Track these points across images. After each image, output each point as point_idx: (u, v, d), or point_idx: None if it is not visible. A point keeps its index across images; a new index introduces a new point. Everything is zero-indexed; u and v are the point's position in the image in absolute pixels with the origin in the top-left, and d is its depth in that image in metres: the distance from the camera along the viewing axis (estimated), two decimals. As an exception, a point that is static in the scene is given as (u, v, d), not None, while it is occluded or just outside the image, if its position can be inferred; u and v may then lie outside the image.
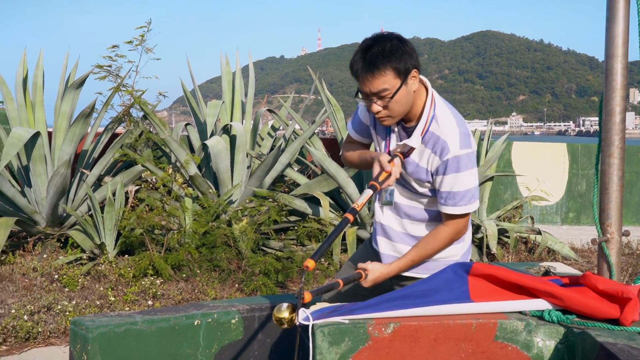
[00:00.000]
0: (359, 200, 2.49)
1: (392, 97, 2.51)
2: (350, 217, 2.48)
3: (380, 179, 2.55)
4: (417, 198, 2.74)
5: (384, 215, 2.86)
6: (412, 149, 2.64)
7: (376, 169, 2.59)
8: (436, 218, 2.75)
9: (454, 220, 2.65)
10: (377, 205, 2.90)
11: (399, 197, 2.78)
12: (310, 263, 2.29)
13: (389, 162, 2.58)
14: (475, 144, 2.65)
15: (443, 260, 2.76)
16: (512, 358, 2.28)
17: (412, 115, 2.64)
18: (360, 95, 2.59)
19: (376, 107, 2.55)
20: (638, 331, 2.21)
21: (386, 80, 2.48)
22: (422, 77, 2.63)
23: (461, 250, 2.83)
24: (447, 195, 2.60)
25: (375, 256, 2.97)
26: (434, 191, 2.68)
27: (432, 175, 2.63)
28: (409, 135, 2.66)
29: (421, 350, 2.25)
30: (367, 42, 2.54)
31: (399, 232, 2.82)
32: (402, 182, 2.74)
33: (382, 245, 2.89)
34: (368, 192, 2.52)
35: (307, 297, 2.28)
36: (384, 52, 2.47)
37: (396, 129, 2.70)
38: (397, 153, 2.65)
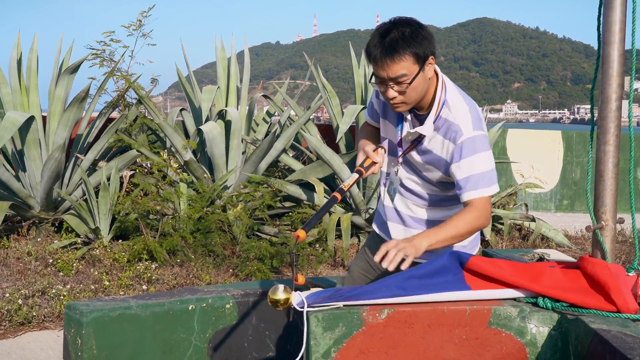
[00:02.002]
0: (346, 182, 2.60)
1: (410, 83, 2.46)
2: (339, 196, 2.55)
3: (365, 164, 2.66)
4: (427, 185, 2.72)
5: (393, 200, 2.85)
6: (422, 136, 2.62)
7: (361, 157, 2.69)
8: (445, 202, 2.74)
9: (474, 206, 2.52)
10: (383, 190, 2.89)
11: (410, 183, 2.77)
12: (301, 233, 2.31)
13: (374, 151, 2.68)
14: (486, 129, 2.61)
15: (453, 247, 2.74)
16: (505, 344, 2.29)
17: (425, 103, 2.60)
18: (375, 80, 2.55)
19: (392, 92, 2.49)
20: (632, 318, 2.22)
21: (405, 66, 2.43)
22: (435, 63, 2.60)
23: (470, 237, 2.80)
24: (466, 181, 2.51)
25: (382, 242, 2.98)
26: (445, 181, 2.65)
27: (448, 164, 2.56)
28: (421, 123, 2.63)
29: (415, 336, 2.25)
30: (385, 26, 2.48)
31: (406, 216, 2.81)
32: (415, 169, 2.72)
33: (394, 230, 2.88)
34: (354, 176, 2.62)
35: (301, 279, 2.28)
36: (404, 37, 2.42)
37: (409, 117, 2.66)
38: (381, 145, 2.72)
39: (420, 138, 2.63)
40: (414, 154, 2.67)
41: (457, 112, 2.55)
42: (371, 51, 2.48)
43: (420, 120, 2.64)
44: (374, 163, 2.65)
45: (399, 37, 2.43)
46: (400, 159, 2.75)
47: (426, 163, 2.65)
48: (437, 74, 2.61)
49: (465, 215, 2.50)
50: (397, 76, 2.45)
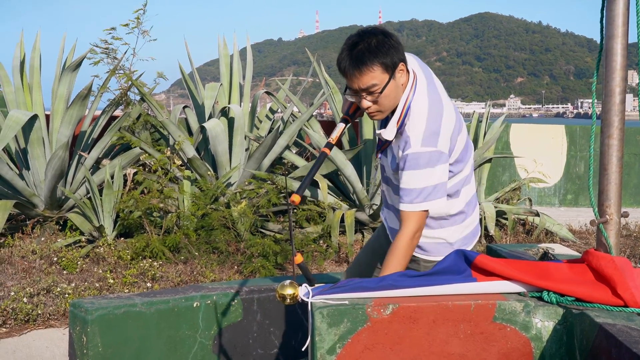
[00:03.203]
0: (333, 134, 2.68)
1: (381, 92, 2.50)
2: (327, 151, 2.65)
3: (351, 111, 2.74)
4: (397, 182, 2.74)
5: (388, 197, 2.87)
6: (388, 141, 2.64)
7: (345, 105, 2.78)
8: None
9: (408, 219, 2.56)
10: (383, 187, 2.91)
11: (393, 180, 2.77)
12: (296, 197, 2.42)
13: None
14: (447, 144, 2.55)
15: (436, 241, 2.76)
16: (510, 339, 2.29)
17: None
18: (348, 92, 2.60)
19: (366, 102, 2.55)
20: (637, 312, 2.22)
21: (375, 76, 2.48)
22: (413, 67, 2.61)
23: (456, 233, 2.78)
24: (403, 193, 2.55)
25: (389, 235, 2.99)
26: None
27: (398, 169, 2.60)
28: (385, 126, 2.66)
29: (420, 332, 2.25)
30: (352, 39, 2.53)
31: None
32: (387, 171, 2.76)
33: (392, 222, 2.90)
34: (341, 125, 2.72)
35: (299, 258, 2.32)
36: (370, 48, 2.47)
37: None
38: (363, 88, 2.65)
39: (389, 140, 2.66)
40: (385, 155, 2.73)
41: (414, 123, 2.54)
42: (341, 64, 2.55)
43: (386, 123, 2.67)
44: (359, 108, 2.70)
45: (366, 49, 2.48)
46: (379, 155, 2.80)
47: (391, 167, 2.68)
48: (413, 78, 2.61)
49: (400, 241, 2.55)
50: (367, 87, 2.50)
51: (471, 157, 2.75)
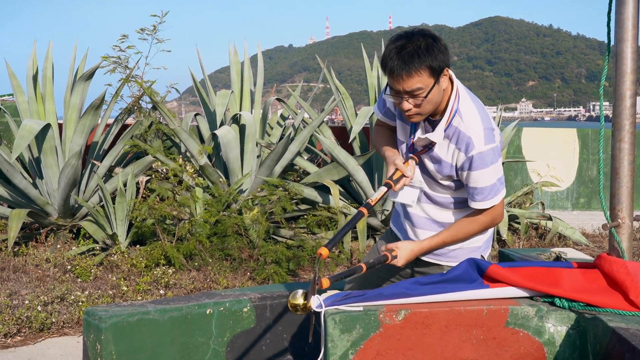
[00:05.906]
0: (374, 196, 2.58)
1: (425, 97, 2.48)
2: (365, 211, 2.57)
3: (395, 177, 2.63)
4: (440, 187, 2.73)
5: (417, 208, 2.85)
6: (433, 142, 2.63)
7: (391, 169, 2.66)
8: (460, 204, 2.74)
9: (482, 214, 2.65)
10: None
11: (423, 185, 2.77)
12: (324, 251, 2.32)
13: (404, 163, 2.65)
14: (499, 137, 2.61)
15: (466, 248, 2.76)
16: (523, 344, 2.29)
17: (439, 110, 2.61)
18: (390, 92, 2.56)
19: (407, 105, 2.51)
20: (650, 316, 2.21)
21: (421, 80, 2.45)
22: (450, 71, 2.60)
23: (484, 237, 2.81)
24: (474, 191, 2.60)
25: (396, 240, 2.98)
26: (458, 182, 2.67)
27: (456, 170, 2.62)
28: (433, 129, 2.64)
29: (432, 337, 2.25)
30: (400, 41, 2.49)
31: (422, 218, 2.81)
32: (427, 172, 2.73)
33: (405, 228, 2.89)
34: (382, 189, 2.61)
35: (325, 283, 2.29)
36: (420, 51, 2.44)
37: (422, 122, 2.68)
38: (412, 156, 2.68)
39: (431, 145, 2.64)
40: (425, 159, 2.69)
41: (469, 123, 2.56)
42: (387, 64, 2.49)
43: (433, 125, 2.65)
44: (403, 176, 2.63)
45: (415, 51, 2.44)
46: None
47: (436, 169, 2.66)
48: (452, 82, 2.61)
49: (482, 218, 2.66)
50: (412, 90, 2.46)
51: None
